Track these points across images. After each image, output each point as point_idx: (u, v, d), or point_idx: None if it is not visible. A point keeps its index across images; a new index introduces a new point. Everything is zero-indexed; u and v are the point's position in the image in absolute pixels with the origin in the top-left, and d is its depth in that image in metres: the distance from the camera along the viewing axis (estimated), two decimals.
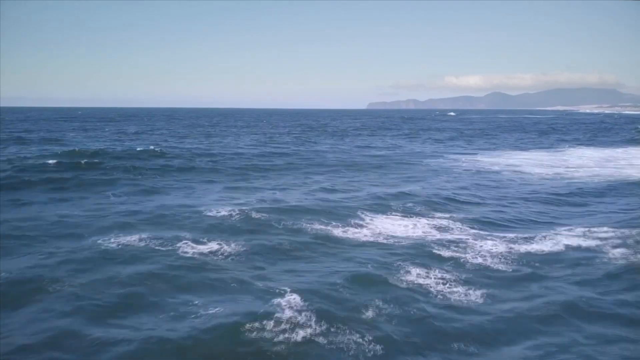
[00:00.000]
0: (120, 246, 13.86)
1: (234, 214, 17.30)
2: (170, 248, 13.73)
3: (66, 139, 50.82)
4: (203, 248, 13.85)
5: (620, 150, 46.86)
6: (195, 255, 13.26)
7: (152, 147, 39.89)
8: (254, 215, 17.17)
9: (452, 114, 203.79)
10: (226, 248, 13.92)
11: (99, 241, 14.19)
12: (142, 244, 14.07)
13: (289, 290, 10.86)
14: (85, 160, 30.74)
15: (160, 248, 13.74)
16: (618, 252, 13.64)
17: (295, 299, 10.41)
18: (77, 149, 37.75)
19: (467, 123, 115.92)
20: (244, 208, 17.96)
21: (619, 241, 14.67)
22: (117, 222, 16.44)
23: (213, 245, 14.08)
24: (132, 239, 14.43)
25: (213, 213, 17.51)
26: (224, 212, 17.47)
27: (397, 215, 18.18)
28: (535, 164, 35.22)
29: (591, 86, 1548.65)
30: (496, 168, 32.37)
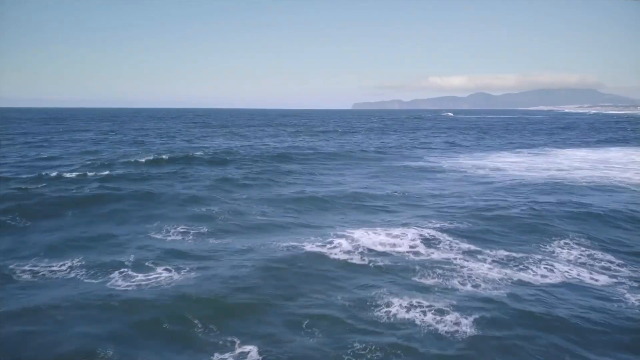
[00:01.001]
0: None
1: None
2: None
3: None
4: None
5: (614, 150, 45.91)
6: None
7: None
8: None
9: (449, 114, 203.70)
10: None
11: None
12: None
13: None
14: None
15: None
16: (630, 293, 11.76)
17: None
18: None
19: (486, 124, 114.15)
20: None
21: (628, 274, 12.92)
22: None
23: None
24: None
25: None
26: None
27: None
28: (543, 167, 33.94)
29: (572, 86, 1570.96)
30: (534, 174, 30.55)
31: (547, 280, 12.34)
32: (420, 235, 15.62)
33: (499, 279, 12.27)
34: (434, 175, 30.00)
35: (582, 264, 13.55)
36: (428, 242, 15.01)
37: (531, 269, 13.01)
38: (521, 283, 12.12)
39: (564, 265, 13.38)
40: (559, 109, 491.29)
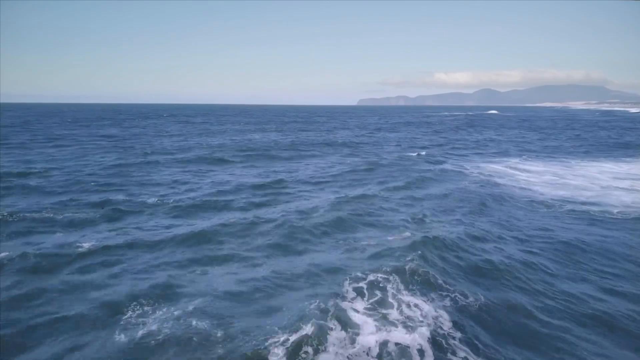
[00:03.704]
0: None
1: None
2: None
3: None
4: None
5: None
6: None
7: None
8: None
9: (494, 111, 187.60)
10: None
11: None
12: None
13: None
14: None
15: None
16: None
17: None
18: None
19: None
20: None
21: None
22: None
23: None
24: None
25: None
26: None
27: None
28: None
29: (578, 83, 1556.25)
30: None
31: None
32: None
33: None
34: None
35: None
36: None
37: None
38: None
39: None
40: (565, 105, 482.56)
